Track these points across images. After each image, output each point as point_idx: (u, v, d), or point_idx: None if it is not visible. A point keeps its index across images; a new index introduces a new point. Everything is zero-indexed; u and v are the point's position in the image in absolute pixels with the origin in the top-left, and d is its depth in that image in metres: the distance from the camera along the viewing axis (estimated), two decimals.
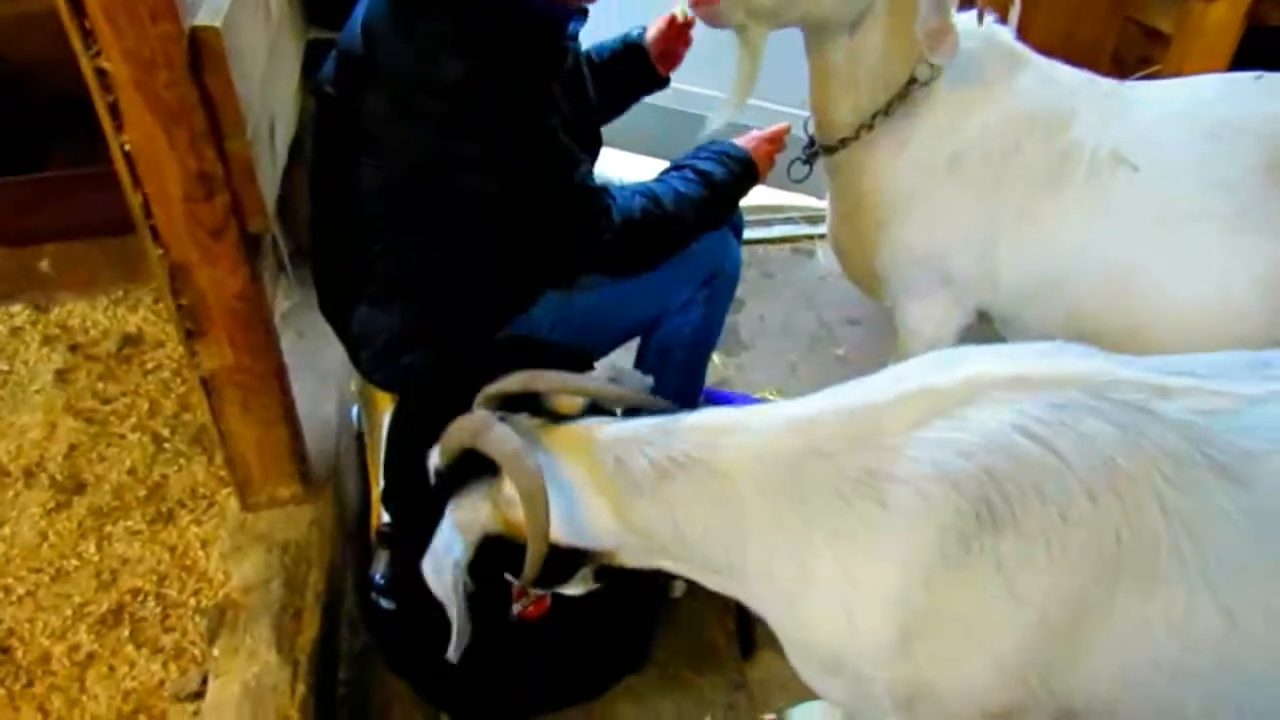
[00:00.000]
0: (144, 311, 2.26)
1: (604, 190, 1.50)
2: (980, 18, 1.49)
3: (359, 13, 1.46)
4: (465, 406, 1.58)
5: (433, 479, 1.19)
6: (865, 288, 1.83)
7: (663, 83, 1.81)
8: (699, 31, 1.71)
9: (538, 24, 1.40)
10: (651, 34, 1.76)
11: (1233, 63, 2.02)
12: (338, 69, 1.47)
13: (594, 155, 1.61)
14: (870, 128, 1.58)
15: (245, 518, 1.70)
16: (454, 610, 1.11)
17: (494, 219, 1.45)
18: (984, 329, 1.71)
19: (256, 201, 1.40)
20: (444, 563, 1.11)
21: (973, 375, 1.02)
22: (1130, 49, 2.21)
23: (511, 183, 1.40)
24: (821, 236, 2.62)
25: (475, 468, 1.12)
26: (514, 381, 1.17)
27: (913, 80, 1.53)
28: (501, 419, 1.12)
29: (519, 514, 1.07)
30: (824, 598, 1.05)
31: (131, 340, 2.20)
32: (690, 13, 1.70)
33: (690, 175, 1.60)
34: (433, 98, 1.35)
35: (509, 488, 1.09)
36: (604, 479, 1.10)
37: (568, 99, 1.46)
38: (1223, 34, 1.99)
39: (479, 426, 1.10)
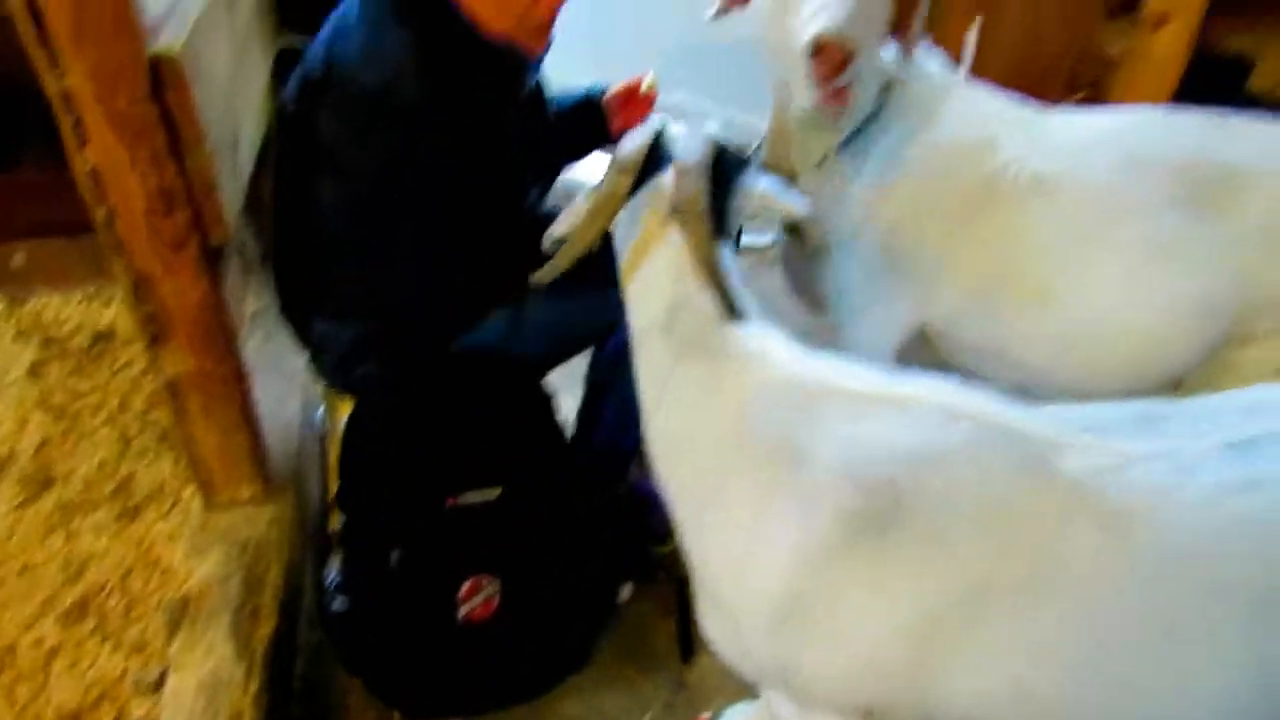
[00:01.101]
0: (116, 307, 2.30)
1: (551, 218, 1.55)
2: (909, 51, 1.54)
3: (323, 32, 1.51)
4: (415, 416, 1.64)
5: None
6: (809, 304, 1.88)
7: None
8: None
9: (499, 52, 1.44)
10: (612, 93, 1.76)
11: (1184, 91, 2.07)
12: (299, 87, 1.52)
13: (547, 181, 1.66)
14: (821, 165, 1.62)
15: (208, 515, 1.74)
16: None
17: (446, 238, 1.49)
18: (924, 350, 1.77)
19: (217, 215, 1.44)
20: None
21: (913, 391, 1.09)
22: (1085, 74, 2.26)
23: (460, 204, 1.45)
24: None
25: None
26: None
27: (867, 117, 1.58)
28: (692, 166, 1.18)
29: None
30: (728, 541, 1.14)
31: (103, 336, 2.25)
32: (656, 88, 1.73)
33: None
34: (388, 119, 1.40)
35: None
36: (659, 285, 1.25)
37: (524, 123, 1.51)
38: (1169, 61, 2.04)
39: (646, 131, 1.23)
